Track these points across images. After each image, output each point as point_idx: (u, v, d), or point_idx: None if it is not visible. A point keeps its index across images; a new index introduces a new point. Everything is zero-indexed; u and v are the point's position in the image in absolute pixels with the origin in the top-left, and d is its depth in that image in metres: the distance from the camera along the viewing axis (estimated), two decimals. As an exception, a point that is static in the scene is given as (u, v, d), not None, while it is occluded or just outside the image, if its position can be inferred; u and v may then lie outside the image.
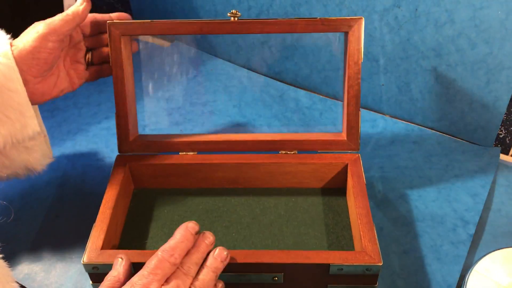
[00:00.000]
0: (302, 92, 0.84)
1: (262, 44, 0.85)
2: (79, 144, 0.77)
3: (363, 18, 0.61)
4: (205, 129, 0.78)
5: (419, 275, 0.58)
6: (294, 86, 0.85)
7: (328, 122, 0.78)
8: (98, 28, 0.64)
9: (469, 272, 0.56)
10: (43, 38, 0.57)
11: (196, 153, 0.66)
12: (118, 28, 0.63)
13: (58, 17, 0.58)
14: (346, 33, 0.62)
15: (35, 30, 0.57)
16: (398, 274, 0.58)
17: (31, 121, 0.58)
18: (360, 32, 0.61)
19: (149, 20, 0.62)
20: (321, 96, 0.83)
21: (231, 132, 0.75)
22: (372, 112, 0.80)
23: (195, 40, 0.93)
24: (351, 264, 0.53)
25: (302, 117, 0.79)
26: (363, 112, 0.80)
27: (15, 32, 0.60)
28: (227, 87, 0.86)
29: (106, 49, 0.66)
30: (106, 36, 0.65)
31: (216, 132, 0.78)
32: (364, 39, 0.73)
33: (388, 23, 0.70)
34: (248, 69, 0.89)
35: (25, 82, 0.57)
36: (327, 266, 0.53)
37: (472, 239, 0.62)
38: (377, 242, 0.54)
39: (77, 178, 0.72)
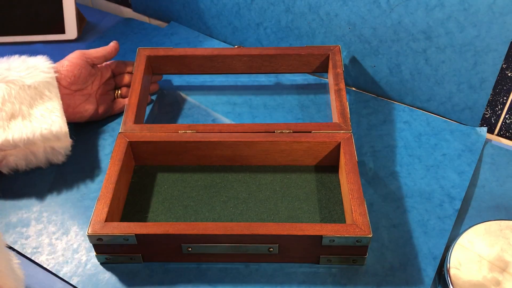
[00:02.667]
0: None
1: (257, 25, 0.86)
2: (82, 124, 0.79)
3: (340, 46, 0.77)
4: (203, 108, 0.81)
5: (407, 247, 0.61)
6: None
7: (322, 101, 0.80)
8: (125, 68, 0.81)
9: (453, 244, 0.59)
10: (75, 57, 0.73)
11: (194, 132, 0.69)
12: (145, 50, 0.79)
13: (92, 49, 0.77)
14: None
15: (73, 54, 0.74)
16: (387, 246, 0.62)
17: (58, 120, 0.68)
18: (339, 55, 0.76)
19: (171, 48, 0.80)
20: (316, 76, 0.85)
21: (227, 108, 0.79)
22: (364, 93, 0.82)
23: (192, 21, 0.95)
24: (342, 235, 0.56)
25: (297, 97, 0.82)
26: (355, 93, 0.82)
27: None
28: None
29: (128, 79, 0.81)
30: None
31: (212, 106, 0.80)
32: (357, 21, 0.76)
33: (380, 5, 0.72)
34: (244, 50, 0.91)
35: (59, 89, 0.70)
36: (320, 237, 0.56)
37: (458, 213, 0.65)
38: (367, 215, 0.57)
39: (80, 156, 0.74)
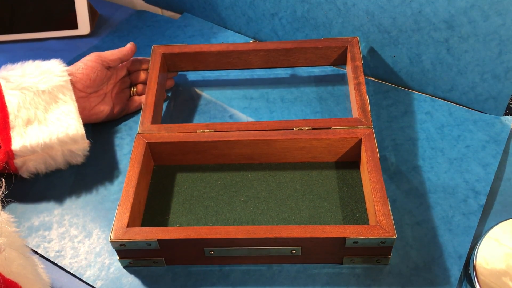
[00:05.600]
0: (313, 64, 0.84)
1: (272, 15, 0.84)
2: (99, 123, 0.78)
3: (358, 38, 0.75)
4: (219, 103, 0.80)
5: (431, 246, 0.61)
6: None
7: (341, 93, 0.79)
8: (140, 65, 0.80)
9: (479, 242, 0.58)
10: (90, 60, 0.72)
11: (213, 131, 0.68)
12: (160, 48, 0.77)
13: (108, 51, 0.75)
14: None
15: (88, 57, 0.73)
16: (411, 245, 0.61)
17: (74, 123, 0.68)
18: (357, 46, 0.75)
19: (186, 44, 0.78)
20: (333, 67, 0.84)
21: (244, 103, 0.78)
22: (384, 83, 0.80)
23: (205, 12, 0.93)
24: (366, 237, 0.55)
25: (315, 90, 0.80)
26: (374, 84, 0.80)
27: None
28: (239, 60, 0.87)
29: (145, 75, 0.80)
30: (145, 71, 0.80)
31: (228, 102, 0.79)
32: (376, 11, 0.73)
33: (400, -6, 0.70)
34: (259, 41, 0.89)
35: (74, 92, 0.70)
36: (343, 239, 0.55)
37: (483, 209, 0.64)
38: (391, 215, 0.56)
39: (98, 156, 0.74)
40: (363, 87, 0.70)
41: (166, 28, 0.94)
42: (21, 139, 0.65)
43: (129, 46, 0.76)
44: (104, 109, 0.74)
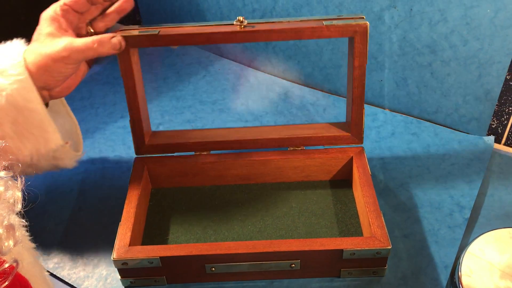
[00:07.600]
0: (306, 89, 0.89)
1: (266, 44, 0.89)
2: (97, 142, 0.82)
3: (368, 23, 0.62)
4: (216, 126, 0.83)
5: (419, 257, 0.64)
6: (298, 83, 0.90)
7: (331, 117, 0.83)
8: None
9: (464, 253, 0.61)
10: (62, 61, 0.57)
11: (209, 152, 0.71)
12: (127, 40, 0.62)
13: (82, 42, 0.57)
14: (352, 38, 0.63)
15: (57, 47, 0.57)
16: (400, 256, 0.64)
17: (53, 136, 0.61)
18: (365, 36, 0.63)
19: (156, 33, 0.62)
20: (323, 92, 0.88)
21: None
22: (372, 106, 0.85)
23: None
24: (363, 248, 0.58)
25: (307, 113, 0.84)
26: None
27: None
28: (235, 85, 0.91)
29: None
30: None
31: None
32: (363, 38, 0.78)
33: (384, 22, 0.75)
34: (253, 68, 0.94)
35: (49, 88, 0.59)
36: (341, 251, 0.58)
37: (468, 222, 0.67)
38: (385, 227, 0.59)
39: (97, 174, 0.77)
40: (362, 105, 0.68)
41: (165, 56, 0.99)
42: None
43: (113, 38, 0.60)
44: (84, 69, 0.64)
